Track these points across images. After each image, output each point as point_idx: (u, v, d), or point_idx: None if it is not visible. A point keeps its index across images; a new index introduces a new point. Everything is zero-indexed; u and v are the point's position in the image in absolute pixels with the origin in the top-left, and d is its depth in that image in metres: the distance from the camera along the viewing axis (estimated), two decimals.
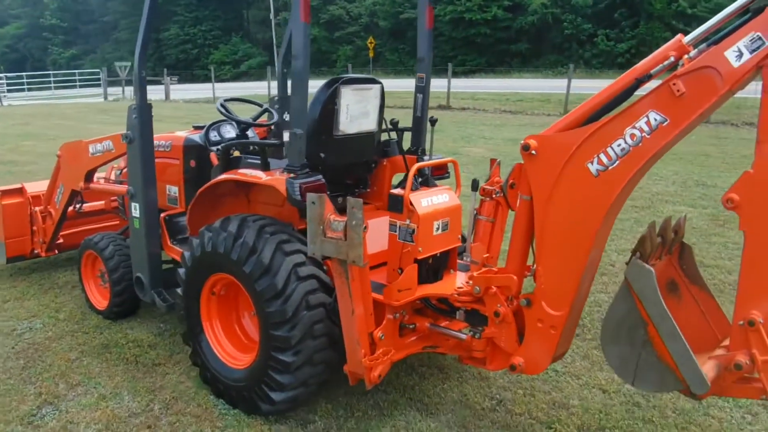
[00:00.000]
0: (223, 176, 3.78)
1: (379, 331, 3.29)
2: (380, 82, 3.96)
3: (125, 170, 5.17)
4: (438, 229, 3.46)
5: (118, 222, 5.93)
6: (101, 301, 5.10)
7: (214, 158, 4.26)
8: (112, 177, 5.42)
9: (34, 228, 5.82)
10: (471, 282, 3.28)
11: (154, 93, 34.24)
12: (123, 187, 4.70)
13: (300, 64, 3.32)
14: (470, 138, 15.08)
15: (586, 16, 41.48)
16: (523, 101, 23.31)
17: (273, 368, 3.36)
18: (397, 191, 3.45)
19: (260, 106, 4.77)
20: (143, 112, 4.21)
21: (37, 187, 5.91)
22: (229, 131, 4.68)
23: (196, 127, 4.85)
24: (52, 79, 41.29)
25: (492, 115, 20.42)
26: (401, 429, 3.52)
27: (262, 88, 31.16)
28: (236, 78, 52.36)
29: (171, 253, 4.49)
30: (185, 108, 25.81)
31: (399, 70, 43.71)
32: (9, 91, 34.43)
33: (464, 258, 3.72)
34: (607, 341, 2.85)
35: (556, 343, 2.99)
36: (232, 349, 3.80)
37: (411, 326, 3.52)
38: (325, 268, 3.49)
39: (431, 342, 3.60)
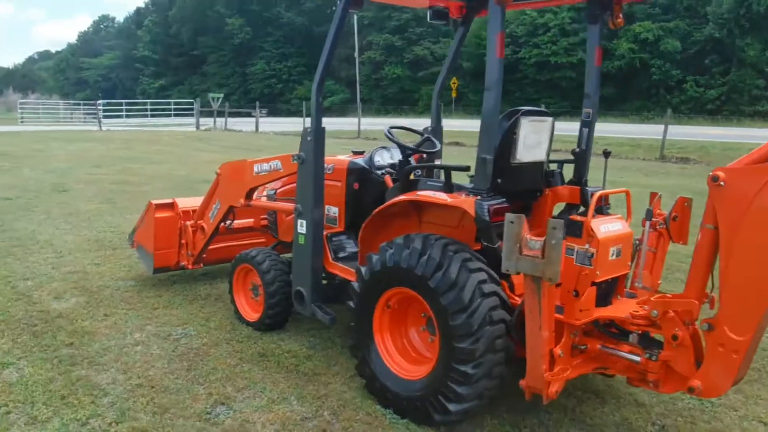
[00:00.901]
0: (404, 197, 3.97)
1: (558, 348, 3.39)
2: (552, 116, 4.12)
3: (280, 189, 5.46)
4: (613, 254, 3.55)
5: (264, 239, 6.22)
6: (251, 314, 5.33)
7: (388, 180, 4.48)
8: (264, 196, 5.69)
9: (183, 241, 6.16)
10: (647, 306, 3.37)
11: (244, 125, 35.72)
12: (287, 205, 4.96)
13: (493, 95, 3.56)
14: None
15: (675, 61, 41.00)
16: (611, 145, 23.04)
17: (453, 379, 3.48)
18: (577, 217, 3.58)
19: (421, 134, 5.01)
20: (318, 135, 4.47)
21: (187, 202, 6.28)
22: (389, 157, 4.92)
23: (355, 152, 5.11)
24: (149, 107, 43.55)
25: None
26: None
27: (347, 124, 32.06)
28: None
29: (333, 269, 4.70)
30: (278, 139, 26.65)
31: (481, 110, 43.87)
32: (105, 116, 36.37)
33: (636, 284, 3.79)
34: None
35: (737, 367, 3.05)
36: (402, 361, 3.95)
37: (583, 347, 3.59)
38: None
39: (600, 363, 3.66)
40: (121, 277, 6.70)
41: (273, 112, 50.12)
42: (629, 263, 3.78)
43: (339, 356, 4.74)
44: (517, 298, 3.71)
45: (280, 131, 31.06)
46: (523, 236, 3.19)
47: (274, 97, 57.32)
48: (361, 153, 5.10)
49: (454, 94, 45.33)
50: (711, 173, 3.04)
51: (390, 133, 4.66)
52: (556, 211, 4.44)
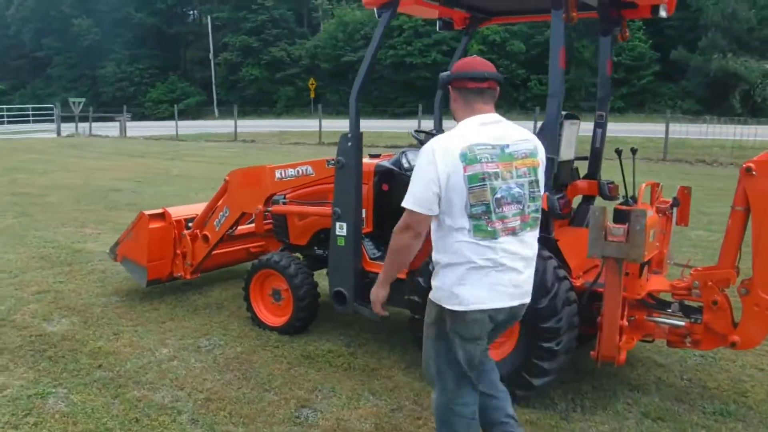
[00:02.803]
0: None
1: (624, 321, 3.93)
2: (579, 118, 4.67)
3: (291, 194, 5.59)
4: (651, 237, 4.15)
5: (263, 243, 6.30)
6: (273, 319, 5.40)
7: None
8: None
9: (178, 252, 6.08)
10: (686, 278, 4.07)
11: (108, 130, 33.77)
12: (320, 208, 5.13)
13: (556, 101, 4.04)
14: None
15: (520, 62, 43.88)
16: None
17: (538, 356, 3.90)
18: (621, 206, 4.18)
19: (434, 135, 5.38)
20: (357, 140, 4.70)
21: (179, 211, 6.23)
22: (412, 159, 5.24)
23: (372, 156, 5.37)
24: (6, 114, 40.12)
25: None
26: (629, 402, 4.20)
27: (207, 127, 31.17)
28: (174, 116, 52.16)
29: (372, 268, 4.91)
30: (154, 144, 25.66)
31: (340, 111, 44.53)
32: None
33: (668, 261, 4.44)
34: None
35: None
36: None
37: (632, 318, 4.16)
38: None
39: (645, 331, 4.24)
40: (100, 293, 6.45)
41: (133, 116, 47.85)
42: (657, 244, 4.41)
43: (381, 350, 4.98)
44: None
45: (150, 135, 29.82)
46: (607, 225, 3.71)
47: (126, 100, 54.11)
48: (378, 156, 5.38)
49: (312, 95, 45.77)
50: (744, 165, 3.73)
51: (416, 135, 5.01)
52: (575, 202, 5.00)
